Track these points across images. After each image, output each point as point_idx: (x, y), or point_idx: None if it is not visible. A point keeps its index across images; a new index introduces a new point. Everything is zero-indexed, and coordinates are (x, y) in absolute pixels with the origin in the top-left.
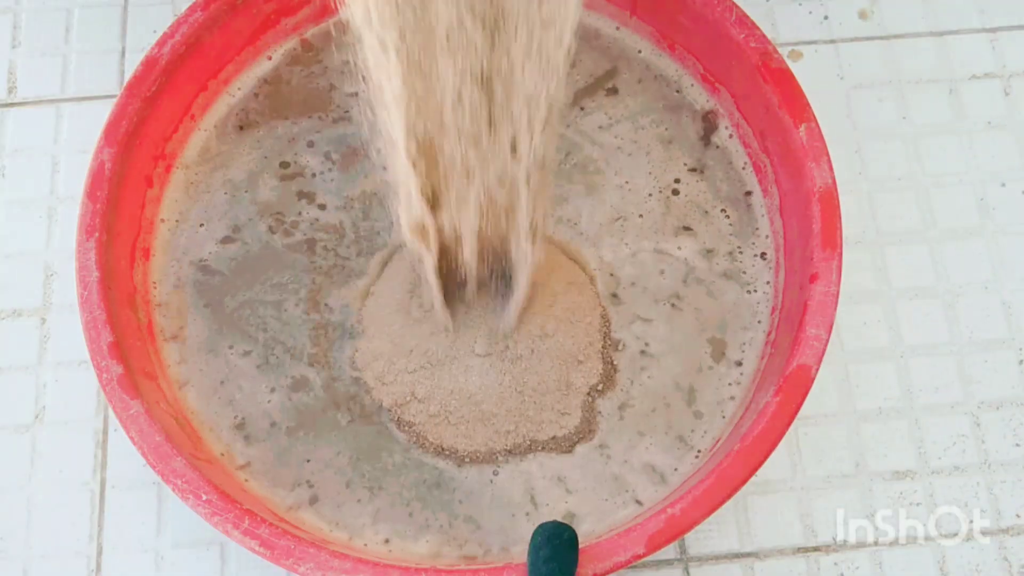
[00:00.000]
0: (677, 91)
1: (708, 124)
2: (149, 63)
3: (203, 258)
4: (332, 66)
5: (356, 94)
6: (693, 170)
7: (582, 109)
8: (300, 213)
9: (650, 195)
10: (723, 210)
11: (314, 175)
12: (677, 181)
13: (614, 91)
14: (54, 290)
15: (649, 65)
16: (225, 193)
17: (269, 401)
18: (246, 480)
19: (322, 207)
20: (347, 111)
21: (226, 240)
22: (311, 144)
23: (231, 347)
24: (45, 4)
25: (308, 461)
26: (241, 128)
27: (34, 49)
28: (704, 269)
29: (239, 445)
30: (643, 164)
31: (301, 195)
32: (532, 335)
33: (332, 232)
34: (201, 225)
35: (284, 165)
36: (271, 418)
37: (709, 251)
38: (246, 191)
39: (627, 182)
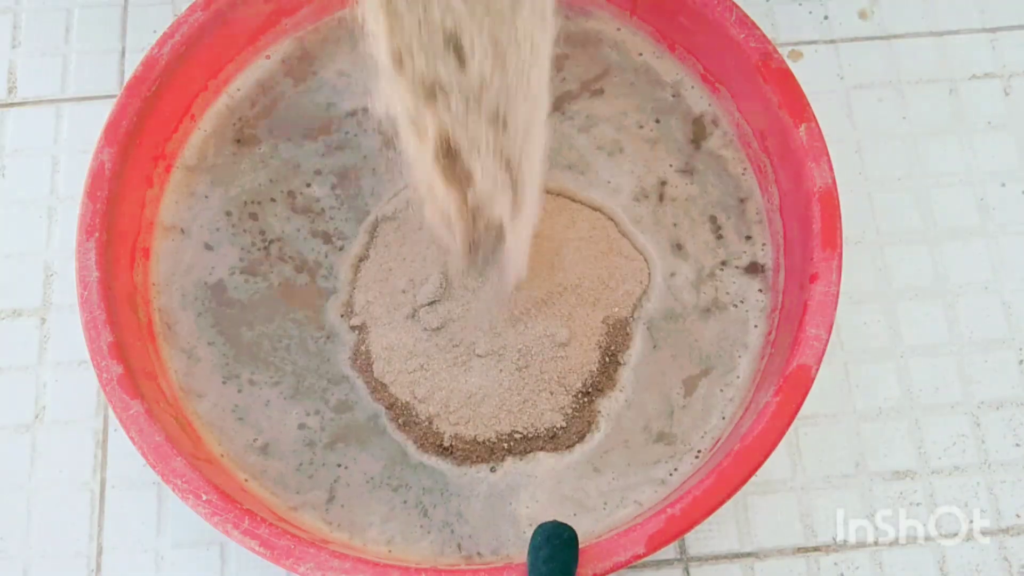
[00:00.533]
0: (674, 95)
1: (699, 128)
2: (149, 63)
3: (212, 283)
4: (328, 80)
5: (355, 113)
6: (683, 171)
7: (563, 114)
8: (312, 249)
9: (636, 201)
10: (712, 216)
11: (323, 210)
12: (663, 184)
13: (600, 92)
14: (54, 290)
15: (645, 67)
16: (228, 214)
17: (302, 425)
18: (246, 480)
19: (337, 245)
20: (347, 132)
21: (240, 271)
22: (318, 172)
23: (252, 374)
24: (45, 4)
25: (340, 466)
26: (239, 141)
27: (34, 49)
28: (694, 285)
29: (253, 457)
30: (628, 167)
31: (315, 233)
32: (534, 336)
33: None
34: (208, 248)
35: (291, 195)
36: (301, 438)
37: (700, 266)
38: (253, 218)
39: (609, 181)
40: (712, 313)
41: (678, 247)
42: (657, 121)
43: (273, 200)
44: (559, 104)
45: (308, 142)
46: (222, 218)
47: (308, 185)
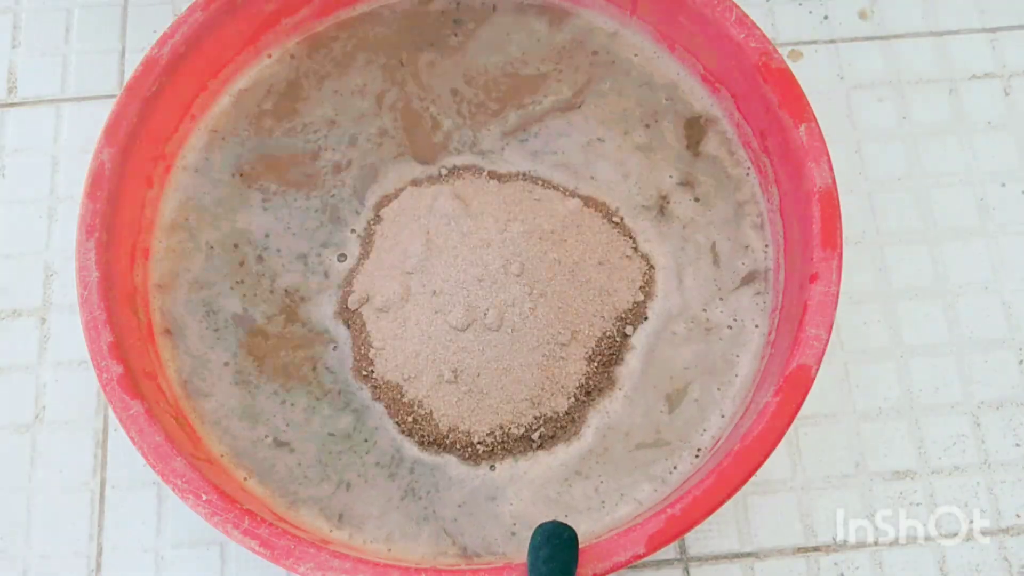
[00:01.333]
0: (668, 99)
1: (695, 131)
2: (149, 63)
3: (228, 313)
4: (311, 122)
5: (338, 166)
6: (683, 184)
7: (562, 121)
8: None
9: (638, 210)
10: (713, 244)
11: (326, 274)
12: (665, 199)
13: (602, 97)
14: (54, 290)
15: (643, 68)
16: (236, 246)
17: (319, 425)
18: (245, 479)
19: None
20: (337, 186)
21: (257, 310)
22: (325, 246)
23: (278, 390)
24: (45, 4)
25: (346, 461)
26: (241, 175)
27: (34, 49)
28: (694, 304)
29: (263, 452)
30: (623, 177)
31: (318, 274)
32: (535, 335)
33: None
34: (220, 273)
35: (301, 257)
36: (313, 437)
37: (698, 293)
38: (260, 261)
39: (610, 188)
40: (712, 323)
41: (679, 279)
42: (647, 126)
43: (279, 250)
44: (557, 111)
45: (302, 198)
46: (231, 250)
47: (318, 253)
